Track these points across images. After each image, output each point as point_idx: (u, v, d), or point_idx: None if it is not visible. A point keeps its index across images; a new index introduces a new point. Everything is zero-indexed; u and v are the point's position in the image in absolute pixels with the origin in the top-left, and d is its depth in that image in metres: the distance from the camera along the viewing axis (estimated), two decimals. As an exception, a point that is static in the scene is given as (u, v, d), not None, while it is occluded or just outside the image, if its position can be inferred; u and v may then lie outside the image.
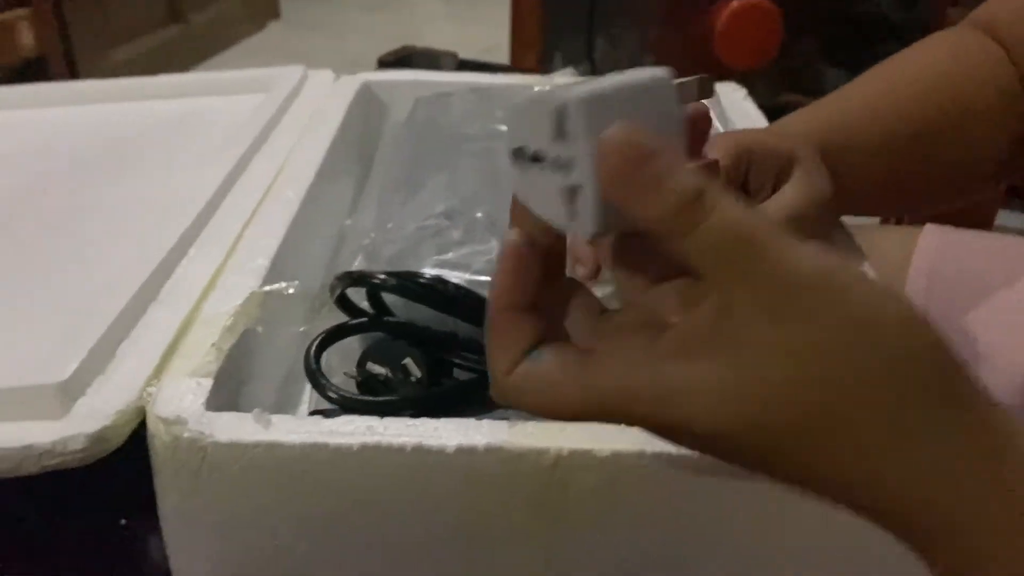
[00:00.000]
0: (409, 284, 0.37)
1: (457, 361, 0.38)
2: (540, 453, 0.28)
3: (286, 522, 0.31)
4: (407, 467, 0.29)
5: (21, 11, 1.77)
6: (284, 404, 0.40)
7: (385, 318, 0.39)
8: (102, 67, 1.99)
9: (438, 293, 0.38)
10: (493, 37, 2.16)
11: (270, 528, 0.31)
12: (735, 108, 0.57)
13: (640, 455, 0.28)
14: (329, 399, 0.35)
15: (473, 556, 0.31)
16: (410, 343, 0.38)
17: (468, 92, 0.60)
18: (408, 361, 0.37)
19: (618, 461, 0.28)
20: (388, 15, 2.95)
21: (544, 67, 1.73)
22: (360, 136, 0.59)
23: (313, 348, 0.36)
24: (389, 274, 0.37)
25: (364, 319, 0.38)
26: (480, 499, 0.29)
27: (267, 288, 0.36)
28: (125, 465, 0.32)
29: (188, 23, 2.32)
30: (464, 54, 1.54)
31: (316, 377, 0.35)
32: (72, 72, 1.90)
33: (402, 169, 0.52)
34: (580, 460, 0.28)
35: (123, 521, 0.36)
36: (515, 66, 1.72)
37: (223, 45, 2.44)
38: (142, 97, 0.59)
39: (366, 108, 0.61)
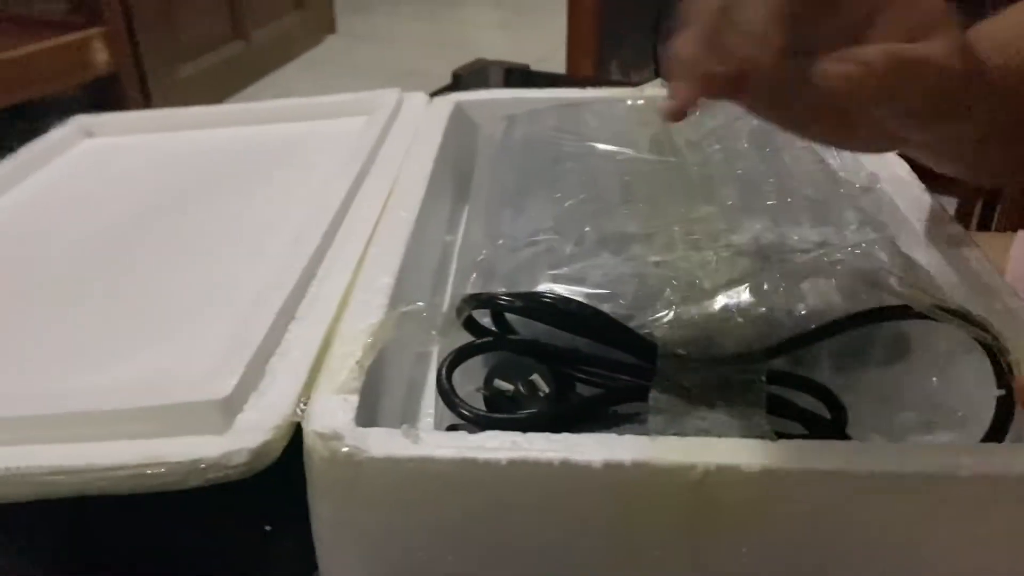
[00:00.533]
0: (533, 304, 0.38)
1: (581, 376, 0.39)
2: (688, 469, 0.29)
3: (434, 535, 0.32)
4: (554, 482, 0.30)
5: (95, 30, 1.84)
6: (409, 419, 0.42)
7: (508, 336, 0.40)
8: (170, 83, 2.05)
9: (561, 312, 0.39)
10: (546, 46, 2.17)
11: (418, 540, 0.32)
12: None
13: (789, 472, 0.29)
14: (464, 417, 0.36)
15: (620, 571, 0.32)
16: (534, 359, 0.39)
17: (559, 108, 0.61)
18: (535, 377, 0.38)
19: (768, 477, 0.29)
20: (440, 26, 2.99)
21: (600, 75, 1.73)
22: (456, 154, 0.61)
23: (445, 368, 0.37)
24: (512, 295, 0.39)
25: (489, 338, 0.39)
26: (627, 514, 0.30)
27: (405, 309, 0.37)
28: (264, 477, 0.34)
29: (250, 40, 2.38)
30: (519, 63, 1.55)
31: (450, 396, 0.36)
32: (143, 88, 1.97)
33: (504, 186, 0.53)
34: (728, 476, 0.29)
35: (267, 527, 0.38)
36: (572, 74, 1.72)
37: (283, 60, 2.50)
38: (255, 122, 0.61)
39: (459, 127, 0.63)
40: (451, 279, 0.53)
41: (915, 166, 0.49)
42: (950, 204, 1.10)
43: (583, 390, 0.40)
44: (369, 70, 2.47)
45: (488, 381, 0.39)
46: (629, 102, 0.61)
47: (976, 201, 1.00)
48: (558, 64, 1.77)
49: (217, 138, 0.60)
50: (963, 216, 1.03)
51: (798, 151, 0.52)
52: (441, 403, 0.37)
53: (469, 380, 0.40)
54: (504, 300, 0.38)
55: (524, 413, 0.37)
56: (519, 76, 1.14)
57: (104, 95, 1.87)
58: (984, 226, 0.93)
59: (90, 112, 0.65)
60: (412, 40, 2.85)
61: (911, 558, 0.30)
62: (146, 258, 0.47)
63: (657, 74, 1.37)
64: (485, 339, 0.40)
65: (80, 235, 0.50)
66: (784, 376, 0.36)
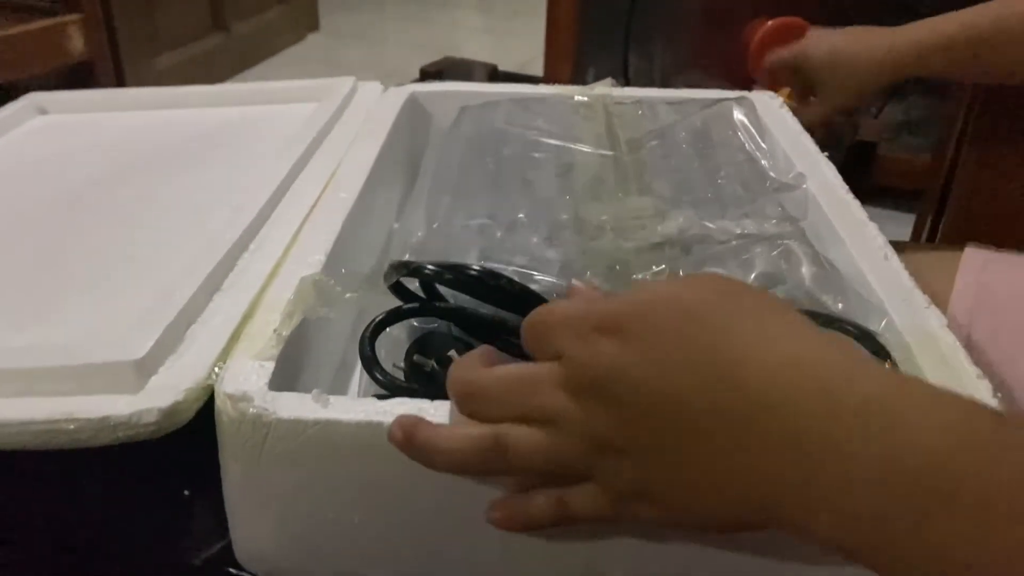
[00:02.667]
0: (461, 276, 0.39)
1: (505, 348, 0.40)
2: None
3: (340, 495, 0.33)
4: (456, 447, 0.31)
5: (72, 16, 1.83)
6: (335, 391, 0.43)
7: (435, 303, 0.40)
8: (147, 73, 2.04)
9: (487, 285, 0.39)
10: (528, 51, 2.19)
11: (325, 500, 0.33)
12: (771, 115, 0.59)
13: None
14: (378, 382, 0.37)
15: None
16: (459, 327, 0.40)
17: (509, 102, 0.62)
18: (453, 352, 0.39)
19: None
20: (425, 28, 3.00)
21: (577, 81, 1.75)
22: (407, 144, 0.62)
23: (368, 332, 0.38)
24: (441, 266, 0.39)
25: (416, 304, 0.40)
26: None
27: (316, 276, 0.38)
28: (186, 442, 0.35)
29: (230, 33, 2.37)
30: (500, 67, 1.57)
31: (369, 362, 0.37)
32: (118, 77, 1.95)
33: (447, 174, 0.54)
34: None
35: (186, 492, 0.39)
36: (549, 79, 1.74)
37: (264, 55, 2.49)
38: (207, 104, 0.62)
39: (413, 117, 0.64)
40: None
41: (856, 189, 0.50)
42: (908, 219, 1.13)
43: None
44: (350, 69, 2.47)
45: (408, 356, 0.40)
46: (576, 98, 0.62)
47: (927, 216, 1.03)
48: (538, 70, 1.79)
49: (168, 119, 0.61)
50: (919, 228, 1.05)
51: (732, 151, 0.53)
52: (367, 378, 0.38)
53: (396, 356, 0.41)
54: (431, 269, 0.39)
55: (437, 386, 0.38)
56: (488, 76, 1.16)
57: (78, 83, 1.86)
58: (931, 238, 0.95)
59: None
60: (395, 41, 2.86)
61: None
62: (86, 228, 0.48)
63: (626, 80, 1.39)
64: (411, 304, 0.40)
65: (25, 204, 0.50)
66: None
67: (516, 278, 0.41)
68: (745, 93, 0.62)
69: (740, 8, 1.23)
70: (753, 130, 0.56)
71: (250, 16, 2.46)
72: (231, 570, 0.36)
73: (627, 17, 1.38)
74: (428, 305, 0.40)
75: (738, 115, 0.58)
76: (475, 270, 0.40)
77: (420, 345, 0.40)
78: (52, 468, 0.38)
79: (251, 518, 0.34)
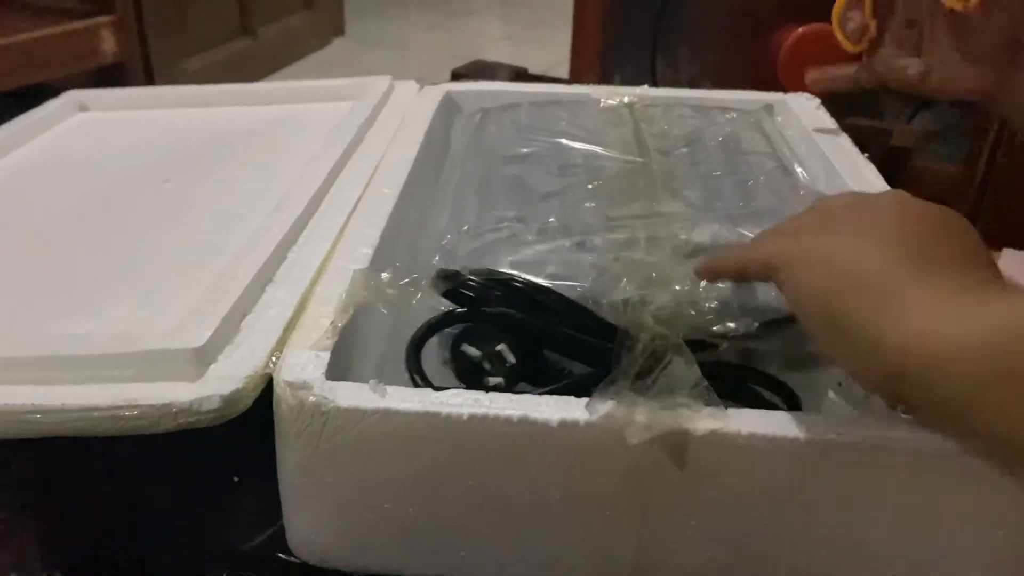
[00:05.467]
0: (506, 290, 0.39)
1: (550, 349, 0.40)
2: (639, 429, 0.30)
3: (396, 485, 0.33)
4: (512, 438, 0.32)
5: (104, 18, 1.85)
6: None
7: (483, 308, 0.40)
8: (176, 76, 2.06)
9: (534, 300, 0.39)
10: (551, 59, 2.19)
11: (381, 490, 0.33)
12: (808, 116, 0.59)
13: (736, 435, 0.30)
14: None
15: (571, 524, 0.33)
16: (506, 332, 0.40)
17: (534, 104, 0.62)
18: (503, 347, 0.39)
19: (714, 440, 0.30)
20: (449, 34, 3.01)
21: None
22: (443, 142, 0.62)
23: (413, 345, 0.38)
24: (487, 280, 0.39)
25: (463, 310, 0.40)
26: (580, 471, 0.32)
27: (368, 271, 0.38)
28: (236, 431, 0.35)
29: (257, 37, 2.40)
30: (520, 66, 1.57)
31: (414, 377, 0.37)
32: (148, 80, 1.98)
33: (471, 176, 0.53)
34: (677, 438, 0.30)
35: (235, 478, 0.39)
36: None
37: (290, 59, 2.52)
38: (246, 102, 0.63)
39: (449, 116, 0.64)
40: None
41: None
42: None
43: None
44: (374, 74, 2.48)
45: (455, 345, 0.39)
46: (603, 103, 0.62)
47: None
48: (562, 77, 1.79)
49: (208, 116, 0.62)
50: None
51: (761, 156, 0.53)
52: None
53: (445, 342, 0.41)
54: (475, 282, 0.39)
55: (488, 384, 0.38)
56: (516, 78, 1.16)
57: (109, 85, 1.88)
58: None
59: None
60: (420, 48, 2.88)
61: (855, 524, 0.32)
62: (133, 221, 0.48)
63: (654, 85, 1.39)
64: (459, 311, 0.40)
65: (70, 199, 0.51)
66: (741, 369, 0.38)
67: (550, 285, 0.41)
68: (781, 95, 0.62)
69: (770, 15, 1.23)
70: (786, 136, 0.56)
71: (277, 20, 2.48)
72: (280, 555, 0.37)
73: (655, 24, 1.38)
74: (473, 311, 0.40)
75: (769, 122, 0.58)
76: (520, 282, 0.39)
77: (469, 335, 0.40)
78: (104, 454, 0.39)
79: (305, 506, 0.35)
